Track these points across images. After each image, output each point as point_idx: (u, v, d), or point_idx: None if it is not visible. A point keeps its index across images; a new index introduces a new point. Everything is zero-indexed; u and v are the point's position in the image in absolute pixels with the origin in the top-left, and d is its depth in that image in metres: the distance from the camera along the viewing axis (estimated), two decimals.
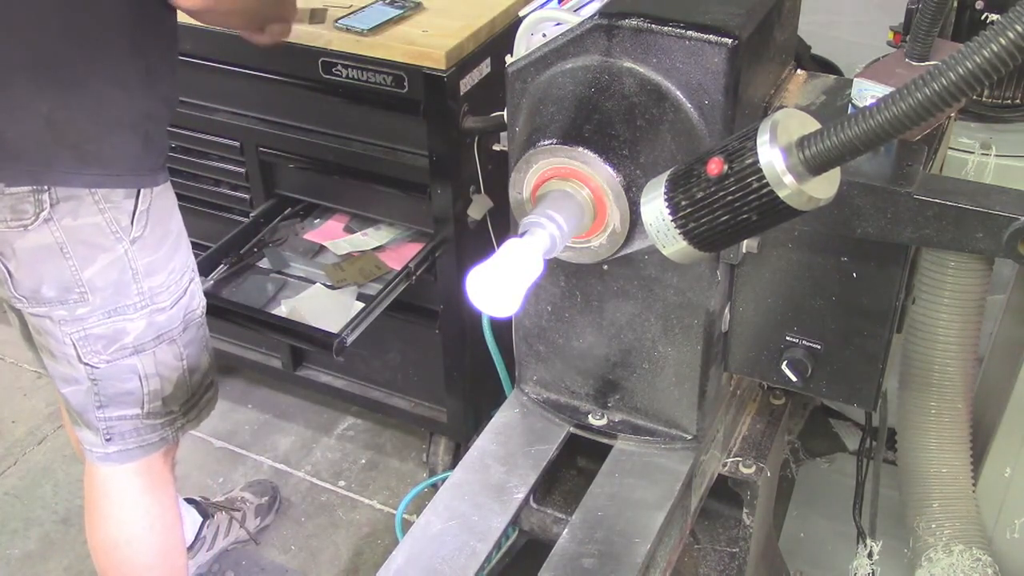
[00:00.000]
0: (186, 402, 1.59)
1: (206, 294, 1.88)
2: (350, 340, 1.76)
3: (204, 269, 1.99)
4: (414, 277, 1.91)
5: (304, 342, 1.94)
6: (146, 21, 1.33)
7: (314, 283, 2.05)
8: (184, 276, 1.52)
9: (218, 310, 1.85)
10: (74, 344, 1.44)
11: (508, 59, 1.15)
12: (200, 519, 2.02)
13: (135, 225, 1.40)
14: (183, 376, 1.56)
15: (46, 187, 1.31)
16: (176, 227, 1.50)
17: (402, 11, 1.84)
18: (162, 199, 1.44)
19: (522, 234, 1.00)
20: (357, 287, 2.03)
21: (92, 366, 1.46)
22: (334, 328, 1.78)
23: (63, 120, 1.29)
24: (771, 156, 0.77)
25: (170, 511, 1.66)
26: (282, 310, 1.98)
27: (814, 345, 1.18)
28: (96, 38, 1.29)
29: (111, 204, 1.36)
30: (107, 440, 1.54)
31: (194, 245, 2.19)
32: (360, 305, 1.93)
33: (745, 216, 0.81)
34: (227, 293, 2.01)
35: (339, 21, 1.80)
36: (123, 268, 1.41)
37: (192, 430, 1.64)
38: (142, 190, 1.39)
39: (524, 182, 1.12)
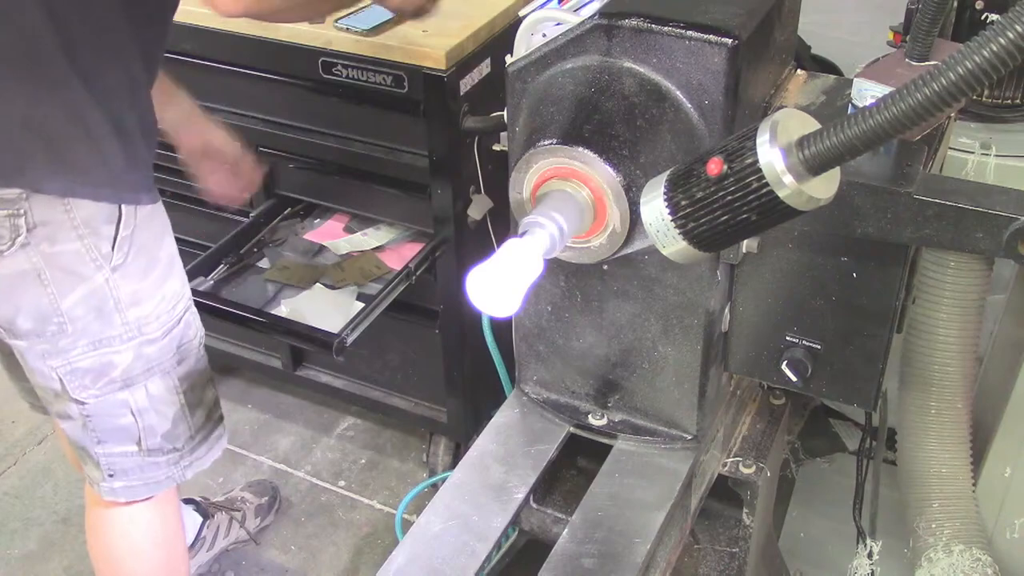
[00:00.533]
0: (191, 438, 1.54)
1: (206, 294, 1.88)
2: (350, 340, 1.76)
3: (204, 269, 1.99)
4: (414, 277, 1.91)
5: (304, 342, 1.94)
6: (135, 30, 1.29)
7: (314, 283, 2.06)
8: (178, 305, 1.45)
9: (218, 310, 1.85)
10: (60, 379, 1.38)
11: (508, 59, 1.15)
12: (200, 519, 2.01)
13: (116, 252, 1.33)
14: (181, 412, 1.50)
15: (22, 211, 1.26)
16: (167, 254, 1.43)
17: None
18: (149, 224, 1.38)
19: (522, 234, 1.00)
20: (357, 287, 2.03)
21: (81, 402, 1.40)
22: (334, 328, 1.79)
23: (39, 119, 1.24)
24: (771, 156, 0.77)
25: (173, 523, 1.64)
26: (282, 310, 1.98)
27: (814, 345, 1.18)
28: (81, 42, 1.24)
29: (90, 229, 1.30)
30: (110, 476, 1.49)
31: (194, 245, 2.21)
32: (360, 305, 1.94)
33: (745, 216, 0.81)
34: (227, 293, 2.01)
35: (339, 21, 1.80)
36: (104, 297, 1.34)
37: (203, 467, 1.58)
38: (124, 214, 1.33)
39: (524, 182, 1.12)
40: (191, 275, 1.91)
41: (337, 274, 2.05)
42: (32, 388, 1.48)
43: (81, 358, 1.37)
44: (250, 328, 2.00)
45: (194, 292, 1.87)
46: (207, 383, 1.55)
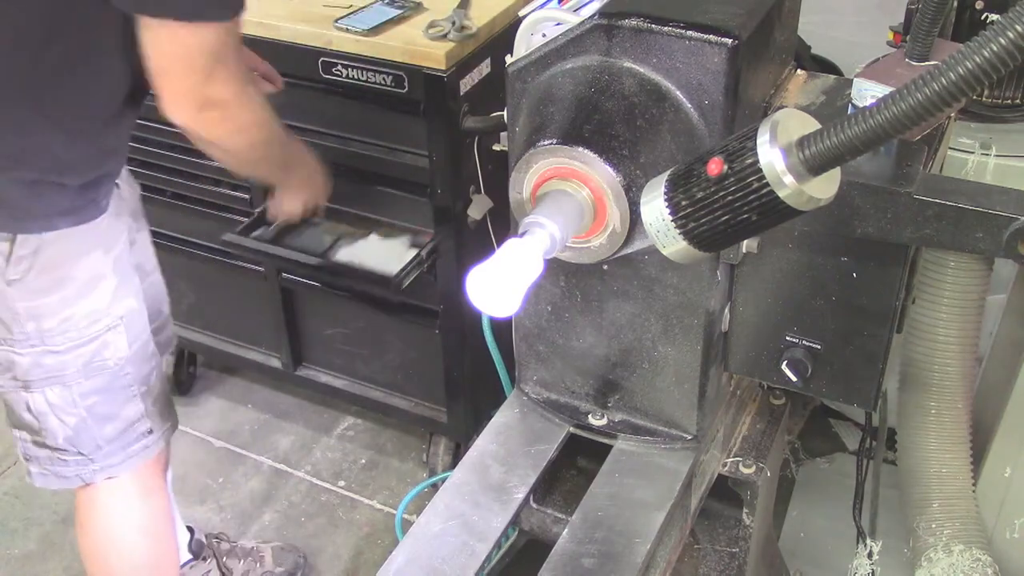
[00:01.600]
0: (98, 448, 1.51)
1: (270, 241, 1.89)
2: (406, 283, 1.82)
3: (265, 220, 1.97)
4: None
5: (365, 283, 1.96)
6: (88, 69, 1.26)
7: (369, 233, 2.05)
8: (94, 325, 1.42)
9: (283, 258, 1.92)
10: None
11: (508, 59, 1.15)
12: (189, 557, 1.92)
13: (11, 267, 1.32)
14: (85, 423, 1.48)
15: None
16: (85, 274, 1.39)
17: (402, 11, 1.84)
18: (65, 244, 1.35)
19: (522, 234, 1.00)
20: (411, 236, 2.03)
21: None
22: (391, 272, 1.83)
23: None
24: (771, 156, 0.77)
25: (161, 520, 1.62)
26: (341, 258, 1.96)
27: (814, 345, 1.18)
28: (12, 79, 1.22)
29: None
30: (26, 459, 1.53)
31: (194, 244, 2.21)
32: (414, 251, 1.93)
33: (745, 216, 0.81)
34: (288, 242, 1.99)
35: (339, 21, 1.80)
36: (2, 305, 1.36)
37: (118, 475, 1.56)
38: (18, 238, 1.31)
39: (524, 182, 1.12)
40: (253, 227, 1.93)
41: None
42: None
43: None
44: (314, 275, 2.04)
45: (259, 239, 1.90)
46: (128, 400, 1.52)
